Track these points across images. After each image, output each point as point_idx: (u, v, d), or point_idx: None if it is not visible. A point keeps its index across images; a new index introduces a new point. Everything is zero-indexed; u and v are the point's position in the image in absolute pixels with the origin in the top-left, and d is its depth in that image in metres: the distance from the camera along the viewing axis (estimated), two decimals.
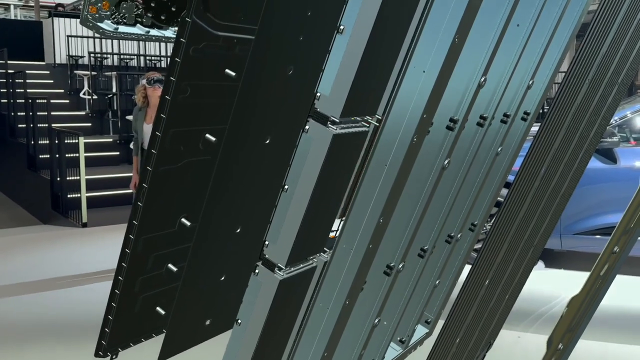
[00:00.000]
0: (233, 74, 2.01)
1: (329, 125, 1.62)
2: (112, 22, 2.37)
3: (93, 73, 12.68)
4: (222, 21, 1.98)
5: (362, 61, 1.54)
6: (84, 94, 12.70)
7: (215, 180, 1.93)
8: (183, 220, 2.27)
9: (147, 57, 14.19)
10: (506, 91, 1.93)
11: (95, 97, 12.33)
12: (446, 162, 1.73)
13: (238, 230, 2.11)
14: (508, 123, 2.11)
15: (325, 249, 2.01)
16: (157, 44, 13.82)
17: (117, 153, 10.36)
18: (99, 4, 2.24)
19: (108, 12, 2.32)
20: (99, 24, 2.28)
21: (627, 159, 5.55)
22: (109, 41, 13.40)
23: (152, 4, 2.12)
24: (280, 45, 1.81)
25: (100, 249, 6.37)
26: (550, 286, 5.42)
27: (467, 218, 2.31)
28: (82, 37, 13.55)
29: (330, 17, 1.77)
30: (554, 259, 6.10)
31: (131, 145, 6.04)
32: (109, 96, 12.22)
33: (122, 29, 2.35)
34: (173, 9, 2.16)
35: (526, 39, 1.83)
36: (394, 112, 1.44)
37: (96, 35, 11.71)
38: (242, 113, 1.86)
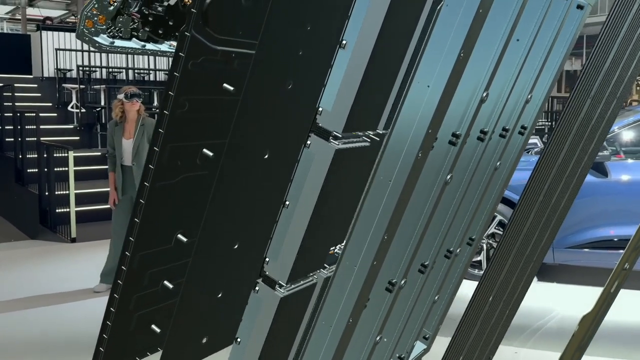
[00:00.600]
0: (231, 88, 2.00)
1: (331, 140, 1.60)
2: (108, 36, 2.35)
3: (81, 86, 12.61)
4: (221, 35, 1.97)
5: (364, 76, 1.53)
6: (72, 107, 12.62)
7: (213, 195, 1.91)
8: (179, 236, 2.25)
9: (136, 71, 14.14)
10: (506, 105, 1.93)
11: (83, 110, 12.25)
12: (448, 177, 1.72)
13: (236, 247, 2.09)
14: (507, 137, 2.11)
15: (325, 265, 1.99)
16: (146, 57, 13.79)
17: (106, 167, 10.26)
18: (95, 18, 2.22)
19: (104, 26, 2.30)
20: (94, 38, 2.26)
21: (617, 173, 5.58)
22: (97, 54, 13.35)
23: (150, 19, 2.10)
24: (279, 59, 1.80)
25: (89, 264, 6.27)
26: (544, 300, 5.42)
27: (465, 233, 2.30)
28: (70, 50, 13.49)
29: (331, 31, 1.76)
30: (547, 273, 6.11)
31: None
32: (98, 109, 12.15)
33: (118, 42, 2.33)
34: (170, 23, 2.15)
35: (526, 53, 1.83)
36: (398, 127, 1.43)
37: (84, 48, 11.61)
38: (241, 127, 1.84)
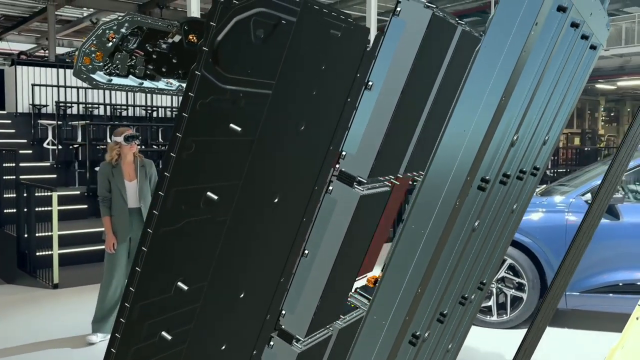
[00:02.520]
0: (238, 129, 1.91)
1: (355, 186, 1.51)
2: (104, 73, 2.27)
3: (58, 122, 12.37)
4: (230, 74, 1.89)
5: (392, 118, 1.46)
6: (47, 144, 12.36)
7: (215, 240, 1.80)
8: (179, 284, 2.13)
9: (113, 106, 13.96)
10: (528, 148, 1.87)
11: (60, 147, 11.98)
12: (476, 223, 1.64)
13: (242, 296, 1.97)
14: (524, 179, 2.05)
15: (340, 315, 1.88)
16: (123, 93, 13.65)
17: (86, 206, 9.88)
18: (93, 55, 2.13)
19: (101, 63, 2.21)
20: (92, 75, 2.16)
21: (630, 215, 5.46)
22: (74, 90, 13.17)
23: (154, 56, 2.02)
24: (290, 100, 1.72)
25: (75, 312, 5.79)
26: (558, 347, 5.13)
27: (480, 278, 2.22)
28: (46, 85, 13.29)
29: (345, 72, 1.69)
30: (556, 318, 5.76)
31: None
32: (75, 146, 11.90)
33: (116, 80, 2.24)
34: (174, 61, 2.06)
35: (550, 94, 1.78)
36: (432, 175, 1.34)
37: (61, 83, 11.37)
38: (249, 169, 1.76)
